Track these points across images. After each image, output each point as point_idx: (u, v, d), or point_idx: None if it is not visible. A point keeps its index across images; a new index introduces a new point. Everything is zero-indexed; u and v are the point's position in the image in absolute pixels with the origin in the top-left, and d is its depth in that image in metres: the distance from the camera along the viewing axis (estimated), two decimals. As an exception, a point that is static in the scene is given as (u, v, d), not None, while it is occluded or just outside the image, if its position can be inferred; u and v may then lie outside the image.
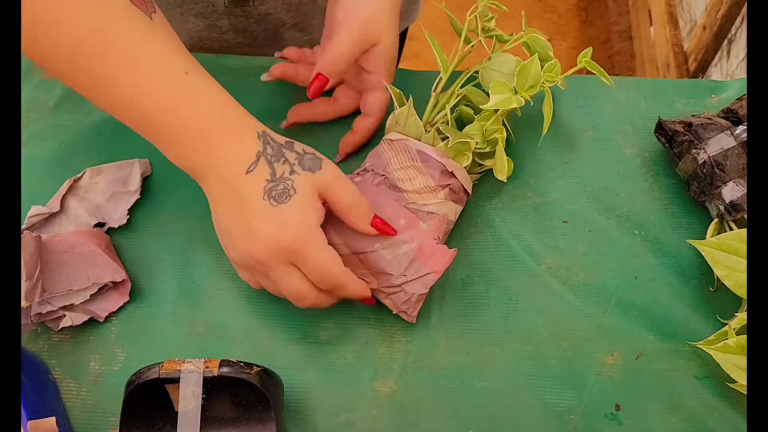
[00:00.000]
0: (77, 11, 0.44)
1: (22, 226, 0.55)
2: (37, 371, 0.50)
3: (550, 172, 0.61)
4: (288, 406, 0.50)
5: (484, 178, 0.60)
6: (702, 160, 0.55)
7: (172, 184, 0.59)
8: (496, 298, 0.55)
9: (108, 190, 0.57)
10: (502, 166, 0.56)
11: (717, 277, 0.52)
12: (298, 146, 0.48)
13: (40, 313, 0.51)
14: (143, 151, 0.60)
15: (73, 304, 0.52)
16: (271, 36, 0.69)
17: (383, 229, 0.50)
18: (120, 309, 0.54)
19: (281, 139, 0.48)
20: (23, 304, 0.48)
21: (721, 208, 0.54)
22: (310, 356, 0.52)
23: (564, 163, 0.61)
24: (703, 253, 0.52)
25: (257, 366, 0.45)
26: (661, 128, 0.60)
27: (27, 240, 0.49)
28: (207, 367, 0.44)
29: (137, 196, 0.57)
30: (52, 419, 0.47)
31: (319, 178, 0.48)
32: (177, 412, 0.44)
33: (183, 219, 0.58)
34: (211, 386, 0.45)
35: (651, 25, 1.61)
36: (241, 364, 0.45)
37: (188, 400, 0.44)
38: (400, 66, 0.77)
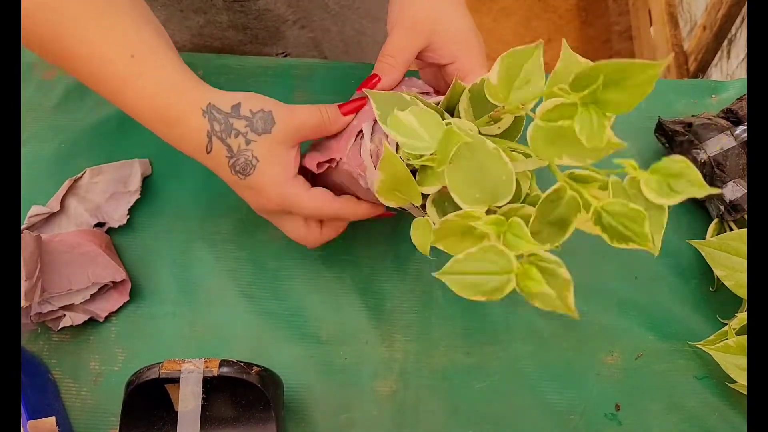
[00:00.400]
0: None
1: (22, 226, 0.55)
2: (37, 371, 0.50)
3: (550, 172, 0.61)
4: (288, 406, 0.50)
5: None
6: (702, 160, 0.55)
7: (172, 184, 0.59)
8: (496, 298, 0.55)
9: (108, 190, 0.57)
10: None
11: (717, 277, 0.52)
12: (245, 107, 0.47)
13: (40, 313, 0.51)
14: (143, 151, 0.60)
15: (73, 303, 0.52)
16: (273, 33, 0.69)
17: (352, 109, 0.49)
18: (120, 309, 0.54)
19: (227, 105, 0.47)
20: (23, 303, 0.48)
21: (721, 208, 0.54)
22: (310, 356, 0.52)
23: (564, 163, 0.61)
24: (703, 254, 0.52)
25: (257, 366, 0.45)
26: (661, 128, 0.60)
27: (26, 240, 0.49)
28: (207, 367, 0.44)
29: (137, 196, 0.57)
30: (52, 419, 0.47)
31: (276, 134, 0.47)
32: (177, 412, 0.44)
33: (183, 219, 0.58)
34: (211, 386, 0.45)
35: (651, 25, 1.61)
36: (241, 364, 0.45)
37: (188, 400, 0.44)
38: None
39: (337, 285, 0.55)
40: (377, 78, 0.50)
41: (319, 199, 0.48)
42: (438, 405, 0.51)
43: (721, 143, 0.54)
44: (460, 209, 0.41)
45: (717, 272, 0.51)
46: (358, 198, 0.50)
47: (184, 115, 0.46)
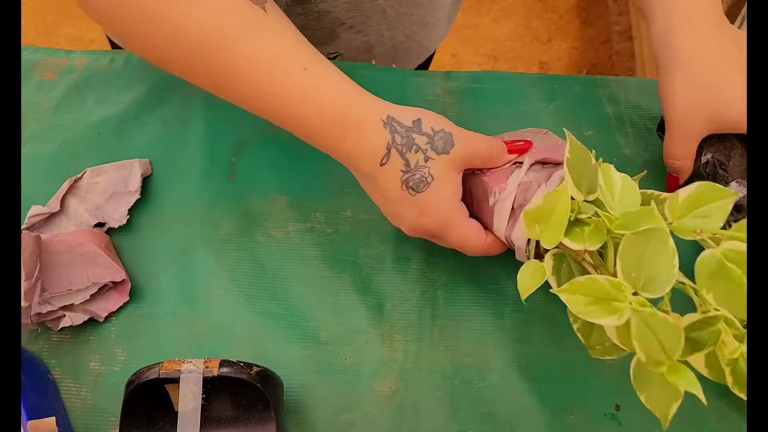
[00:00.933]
0: (195, 11, 0.43)
1: (22, 226, 0.55)
2: (37, 371, 0.50)
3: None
4: (288, 406, 0.50)
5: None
6: (705, 160, 0.55)
7: (172, 184, 0.59)
8: (496, 298, 0.55)
9: (108, 190, 0.57)
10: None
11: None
12: (427, 124, 0.47)
13: (40, 313, 0.51)
14: (143, 151, 0.60)
15: (73, 304, 0.52)
16: (328, 34, 0.69)
17: (518, 149, 0.50)
18: (120, 309, 0.54)
19: (408, 119, 0.47)
20: (23, 304, 0.48)
21: None
22: (310, 356, 0.53)
23: (564, 163, 0.61)
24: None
25: (257, 366, 0.45)
26: (662, 127, 0.59)
27: (26, 239, 0.49)
28: (207, 367, 0.44)
29: (137, 196, 0.57)
30: (52, 419, 0.47)
31: (454, 157, 0.47)
32: (177, 412, 0.45)
33: (183, 219, 0.58)
34: (211, 386, 0.45)
35: (651, 25, 1.61)
36: (241, 364, 0.45)
37: (188, 400, 0.44)
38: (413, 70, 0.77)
39: (337, 285, 0.55)
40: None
41: (476, 232, 0.49)
42: (438, 405, 0.51)
43: (724, 143, 0.54)
44: (578, 273, 0.44)
45: None
46: (470, 209, 0.51)
47: (364, 124, 0.46)
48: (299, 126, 0.47)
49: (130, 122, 0.62)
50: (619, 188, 0.45)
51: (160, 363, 0.44)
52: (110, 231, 0.57)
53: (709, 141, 0.55)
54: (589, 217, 0.43)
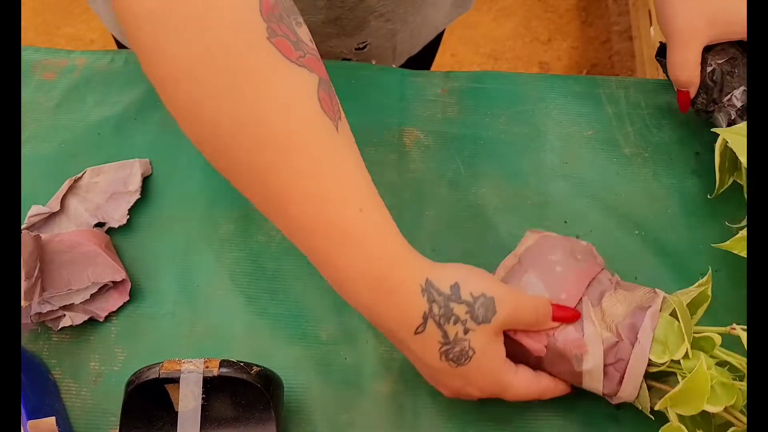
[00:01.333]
0: (272, 111, 0.39)
1: (22, 226, 0.55)
2: (37, 371, 0.50)
3: (550, 172, 0.61)
4: (288, 406, 0.50)
5: (484, 178, 0.60)
6: (710, 69, 0.54)
7: (172, 184, 0.59)
8: (496, 298, 0.55)
9: (108, 190, 0.57)
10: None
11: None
12: (466, 290, 0.42)
13: (40, 313, 0.51)
14: (143, 152, 0.60)
15: (73, 303, 0.52)
16: (359, 24, 0.69)
17: (566, 318, 0.46)
18: (120, 309, 0.54)
19: (446, 284, 0.42)
20: (22, 303, 0.48)
21: (733, 113, 0.53)
22: (310, 356, 0.52)
23: (564, 163, 0.61)
24: (729, 141, 0.49)
25: (257, 366, 0.45)
26: (662, 52, 0.59)
27: (26, 239, 0.49)
28: (207, 367, 0.44)
29: (137, 196, 0.57)
30: (52, 419, 0.47)
31: (495, 325, 0.44)
32: (177, 412, 0.44)
33: (183, 219, 0.58)
34: (211, 386, 0.45)
35: (651, 25, 1.61)
36: (241, 364, 0.45)
37: (188, 400, 0.44)
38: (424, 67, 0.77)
39: (337, 285, 0.55)
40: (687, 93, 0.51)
41: (527, 385, 0.46)
42: (438, 405, 0.51)
43: (728, 53, 0.54)
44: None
45: (742, 159, 0.49)
46: (544, 368, 0.47)
47: (402, 288, 0.42)
48: (343, 271, 0.42)
49: (130, 122, 0.62)
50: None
51: (160, 363, 0.44)
52: (110, 231, 0.57)
53: (711, 51, 0.54)
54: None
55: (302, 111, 0.40)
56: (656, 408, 0.45)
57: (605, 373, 0.45)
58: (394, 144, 0.61)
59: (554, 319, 0.46)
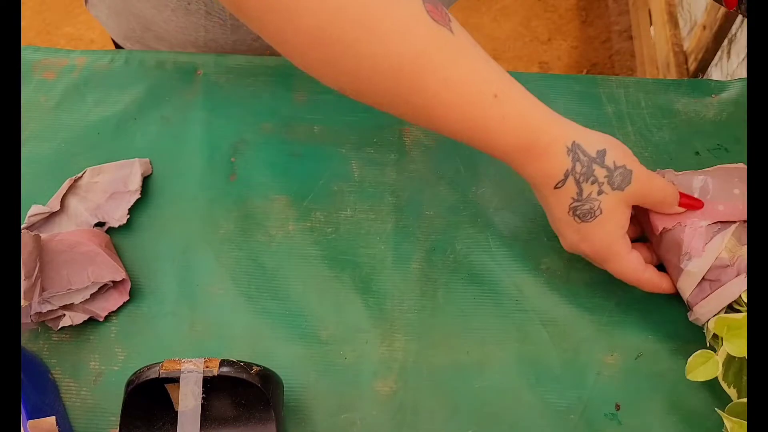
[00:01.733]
0: (394, 41, 0.43)
1: (22, 226, 0.55)
2: (37, 371, 0.50)
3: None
4: (288, 406, 0.50)
5: (484, 178, 0.60)
6: None
7: (172, 184, 0.59)
8: (496, 298, 0.55)
9: (108, 190, 0.57)
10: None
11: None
12: (610, 158, 0.47)
13: (40, 313, 0.51)
14: (143, 151, 0.60)
15: (72, 303, 0.52)
16: None
17: (691, 205, 0.50)
18: (120, 308, 0.54)
19: (593, 149, 0.47)
20: (22, 303, 0.48)
21: None
22: (310, 356, 0.52)
23: (564, 163, 0.61)
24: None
25: (257, 366, 0.45)
26: None
27: (25, 239, 0.49)
28: (207, 367, 0.44)
29: (137, 195, 0.57)
30: (52, 419, 0.47)
31: (627, 195, 0.48)
32: (177, 412, 0.44)
33: (183, 219, 0.58)
34: (211, 386, 0.45)
35: (651, 24, 1.61)
36: (241, 364, 0.45)
37: (188, 400, 0.44)
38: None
39: (337, 285, 0.55)
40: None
41: (633, 266, 0.50)
42: (438, 405, 0.51)
43: None
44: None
45: None
46: (659, 250, 0.52)
47: (549, 148, 0.46)
48: (492, 149, 0.48)
49: (130, 122, 0.62)
50: None
51: (160, 362, 0.44)
52: (110, 230, 0.57)
53: None
54: None
55: (420, 31, 0.43)
56: (712, 329, 0.47)
57: (699, 283, 0.49)
58: (394, 144, 0.61)
59: (680, 204, 0.50)
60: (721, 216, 0.50)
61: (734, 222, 0.50)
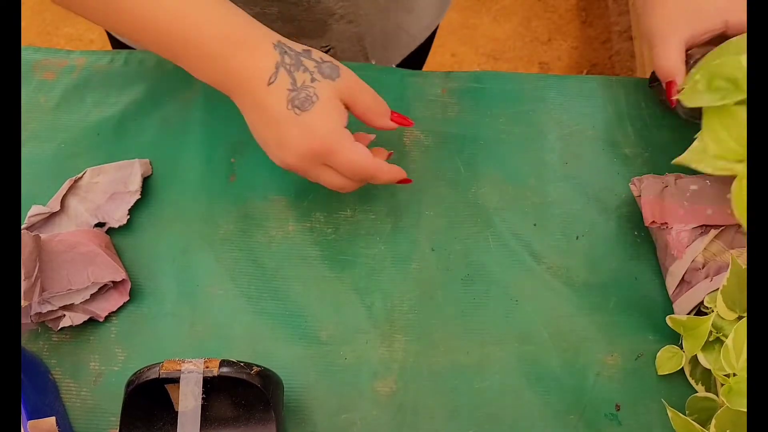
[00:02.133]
0: None
1: (23, 226, 0.55)
2: (37, 371, 0.50)
3: (550, 172, 0.61)
4: (288, 406, 0.50)
5: (484, 178, 0.60)
6: (695, 58, 0.56)
7: (172, 184, 0.59)
8: (496, 298, 0.55)
9: (108, 190, 0.57)
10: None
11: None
12: (316, 54, 0.49)
13: (40, 313, 0.51)
14: (143, 152, 0.60)
15: (73, 303, 0.52)
16: (320, 26, 0.69)
17: (401, 121, 0.52)
18: (120, 309, 0.54)
19: (298, 47, 0.49)
20: (22, 303, 0.48)
21: None
22: (310, 356, 0.53)
23: (564, 164, 0.61)
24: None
25: (257, 366, 0.45)
26: (653, 78, 0.61)
27: (25, 239, 0.49)
28: (207, 367, 0.44)
29: (138, 196, 0.57)
30: (52, 419, 0.47)
31: (339, 84, 0.49)
32: (177, 412, 0.44)
33: (183, 219, 0.58)
34: (211, 386, 0.45)
35: (651, 25, 1.61)
36: (241, 364, 0.45)
37: (188, 400, 0.44)
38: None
39: (337, 285, 0.55)
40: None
41: (364, 152, 0.49)
42: (438, 405, 0.51)
43: (708, 48, 0.56)
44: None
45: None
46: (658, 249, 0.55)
47: (255, 42, 0.48)
48: (187, 47, 0.48)
49: (130, 122, 0.62)
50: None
51: (160, 363, 0.44)
52: (110, 231, 0.57)
53: (695, 49, 0.57)
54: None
55: None
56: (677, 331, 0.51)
57: (679, 283, 0.53)
58: (393, 144, 0.61)
59: (392, 119, 0.52)
60: (708, 220, 0.52)
61: (720, 226, 0.52)
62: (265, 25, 0.52)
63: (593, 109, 0.64)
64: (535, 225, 0.58)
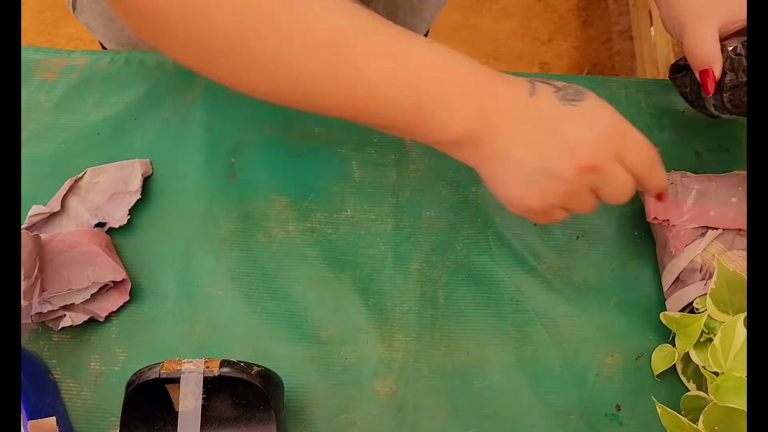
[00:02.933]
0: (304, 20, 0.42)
1: (23, 226, 0.55)
2: (38, 371, 0.50)
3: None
4: (288, 406, 0.50)
5: (484, 178, 0.60)
6: (732, 46, 0.52)
7: (172, 184, 0.59)
8: (496, 298, 0.55)
9: (109, 190, 0.57)
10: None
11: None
12: (559, 83, 0.46)
13: (40, 313, 0.51)
14: (143, 152, 0.60)
15: (73, 303, 0.52)
16: None
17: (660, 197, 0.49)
18: (120, 309, 0.54)
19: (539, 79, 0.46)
20: (22, 303, 0.48)
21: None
22: (310, 356, 0.52)
23: (564, 163, 0.61)
24: None
25: (257, 366, 0.45)
26: (674, 69, 0.58)
27: (25, 239, 0.49)
28: (207, 367, 0.44)
29: (138, 196, 0.57)
30: (53, 419, 0.47)
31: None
32: (177, 412, 0.44)
33: (183, 219, 0.58)
34: (211, 386, 0.45)
35: (651, 25, 1.61)
36: (241, 364, 0.45)
37: (188, 400, 0.44)
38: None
39: (337, 285, 0.55)
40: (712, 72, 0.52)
41: (643, 137, 0.46)
42: (438, 405, 0.51)
43: (742, 37, 0.53)
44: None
45: None
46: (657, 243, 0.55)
47: (502, 76, 0.45)
48: (446, 93, 0.44)
49: (130, 122, 0.62)
50: (736, 350, 0.46)
51: (160, 363, 0.44)
52: (111, 231, 0.57)
53: (727, 40, 0.53)
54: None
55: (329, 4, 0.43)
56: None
57: (674, 281, 0.53)
58: (394, 144, 0.61)
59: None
60: (710, 221, 0.52)
61: (719, 229, 0.52)
62: None
63: (593, 109, 0.64)
64: (535, 225, 0.58)
